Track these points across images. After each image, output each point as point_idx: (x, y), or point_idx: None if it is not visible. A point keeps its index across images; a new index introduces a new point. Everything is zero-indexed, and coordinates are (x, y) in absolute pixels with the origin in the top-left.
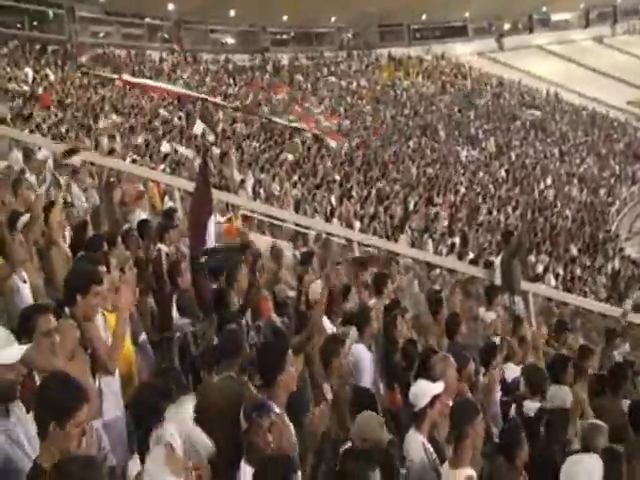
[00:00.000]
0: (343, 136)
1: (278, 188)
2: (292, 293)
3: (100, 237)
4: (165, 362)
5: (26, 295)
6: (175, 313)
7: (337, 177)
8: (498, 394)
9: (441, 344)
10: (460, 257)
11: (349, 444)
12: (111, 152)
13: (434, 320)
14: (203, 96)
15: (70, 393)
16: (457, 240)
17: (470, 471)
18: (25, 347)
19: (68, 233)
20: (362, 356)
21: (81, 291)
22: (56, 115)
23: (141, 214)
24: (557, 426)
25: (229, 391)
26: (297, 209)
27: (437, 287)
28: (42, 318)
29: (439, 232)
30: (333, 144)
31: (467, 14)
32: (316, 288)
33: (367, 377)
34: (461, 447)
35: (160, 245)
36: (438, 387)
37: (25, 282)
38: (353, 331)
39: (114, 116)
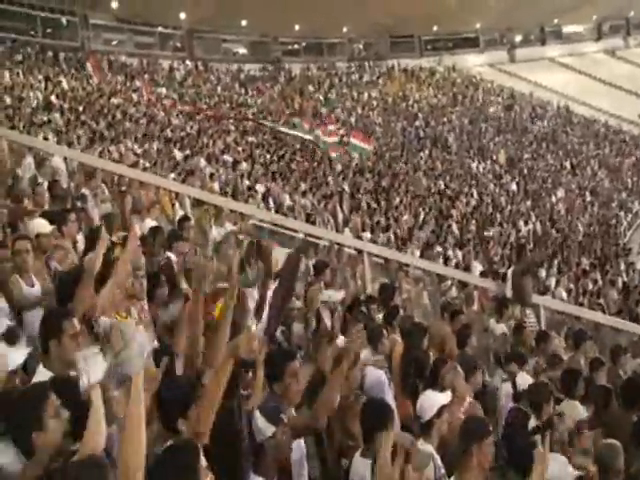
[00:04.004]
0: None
1: (288, 198)
2: (299, 303)
3: None
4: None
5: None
6: None
7: (346, 187)
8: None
9: (452, 354)
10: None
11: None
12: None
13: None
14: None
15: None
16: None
17: None
18: (24, 353)
19: (81, 238)
20: (377, 373)
21: None
22: (69, 121)
23: (151, 223)
24: None
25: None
26: (308, 219)
27: (448, 299)
28: (67, 322)
29: (450, 244)
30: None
31: (478, 25)
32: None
33: (390, 394)
34: (466, 464)
35: (169, 253)
36: (445, 397)
37: (33, 286)
38: None
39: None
